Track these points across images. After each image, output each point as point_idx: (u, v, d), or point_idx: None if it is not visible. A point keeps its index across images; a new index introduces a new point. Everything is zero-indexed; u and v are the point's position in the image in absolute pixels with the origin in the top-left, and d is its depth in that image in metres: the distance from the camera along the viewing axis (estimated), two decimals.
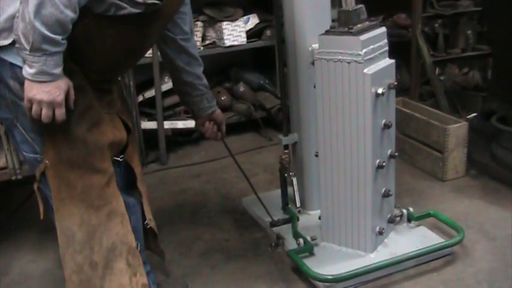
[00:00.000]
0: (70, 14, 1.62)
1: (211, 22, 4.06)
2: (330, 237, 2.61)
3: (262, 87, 4.40)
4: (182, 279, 2.52)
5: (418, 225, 2.74)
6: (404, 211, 2.73)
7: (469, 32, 4.57)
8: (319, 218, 2.65)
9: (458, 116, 3.74)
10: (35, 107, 1.70)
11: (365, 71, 2.28)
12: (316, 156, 2.57)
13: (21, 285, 2.66)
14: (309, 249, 2.54)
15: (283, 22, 2.75)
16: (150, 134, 3.89)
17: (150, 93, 3.93)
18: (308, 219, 2.85)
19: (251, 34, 4.13)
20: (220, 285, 2.52)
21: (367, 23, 2.39)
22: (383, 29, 2.45)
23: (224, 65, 4.55)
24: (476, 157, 3.43)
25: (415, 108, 3.66)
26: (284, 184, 2.93)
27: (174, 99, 3.88)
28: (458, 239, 2.59)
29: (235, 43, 4.04)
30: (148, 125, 3.93)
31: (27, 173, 2.81)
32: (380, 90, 2.32)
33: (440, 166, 3.35)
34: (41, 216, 1.96)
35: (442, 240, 2.61)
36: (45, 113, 1.70)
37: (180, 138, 4.14)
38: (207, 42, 4.08)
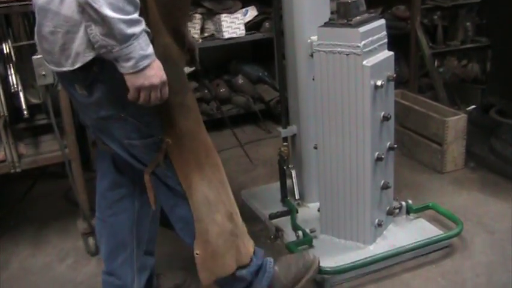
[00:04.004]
0: None
1: (210, 14, 4.05)
2: (329, 229, 2.61)
3: (261, 79, 4.40)
4: (181, 272, 2.52)
5: (417, 218, 2.74)
6: (403, 203, 2.73)
7: (468, 24, 4.56)
8: (318, 211, 2.65)
9: (457, 109, 3.74)
10: (143, 95, 1.67)
11: (364, 63, 2.28)
12: (315, 148, 2.56)
13: (21, 280, 2.66)
14: (308, 241, 2.54)
15: (282, 14, 2.74)
16: None
17: None
18: (307, 212, 2.85)
19: (250, 26, 4.13)
20: None
21: (366, 15, 2.39)
22: (382, 21, 2.44)
23: (223, 58, 4.55)
24: (475, 150, 3.43)
25: (414, 101, 3.66)
26: (283, 176, 2.93)
27: None
28: (457, 232, 2.59)
29: (234, 35, 4.03)
30: None
31: (27, 166, 2.81)
32: (379, 82, 2.31)
33: (439, 158, 3.35)
34: (153, 206, 1.99)
35: (440, 232, 2.61)
36: (155, 95, 1.69)
37: None
38: (206, 34, 4.07)
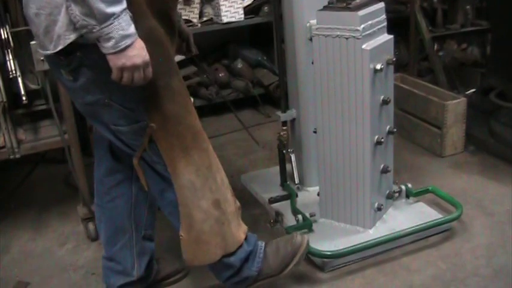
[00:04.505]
0: None
1: None
2: (329, 213, 2.61)
3: (260, 63, 4.39)
4: (181, 258, 2.52)
5: (417, 201, 2.75)
6: (403, 187, 2.74)
7: (467, 7, 4.53)
8: (318, 195, 2.65)
9: (456, 92, 3.73)
10: (126, 75, 1.66)
11: (363, 46, 2.27)
12: (315, 132, 2.56)
13: (21, 264, 2.67)
14: (307, 225, 2.55)
15: None
16: None
17: None
18: (307, 196, 2.85)
19: (248, 10, 4.10)
20: None
21: None
22: (381, 4, 2.42)
23: (222, 42, 4.53)
24: (474, 133, 3.43)
25: (414, 84, 3.65)
26: (282, 161, 2.93)
27: None
28: (457, 215, 2.59)
29: (233, 19, 4.01)
30: None
31: (26, 152, 2.81)
32: (378, 66, 2.31)
33: (438, 142, 3.35)
34: (146, 188, 2.00)
35: (440, 216, 2.62)
36: (138, 76, 1.68)
37: None
38: (205, 18, 4.05)
